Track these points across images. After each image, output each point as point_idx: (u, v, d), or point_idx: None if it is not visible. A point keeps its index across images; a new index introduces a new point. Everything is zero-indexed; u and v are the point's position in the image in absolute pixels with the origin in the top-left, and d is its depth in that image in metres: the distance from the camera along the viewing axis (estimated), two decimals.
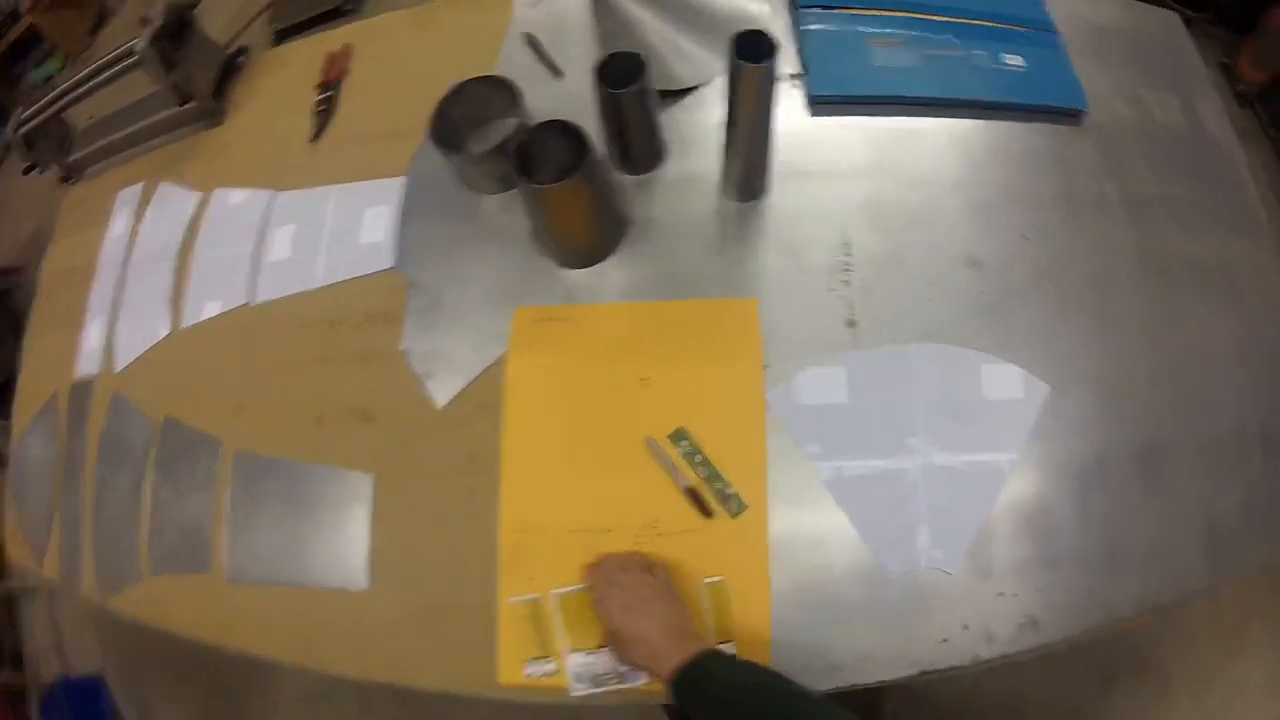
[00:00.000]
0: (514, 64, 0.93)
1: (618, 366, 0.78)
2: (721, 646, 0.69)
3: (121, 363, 1.00)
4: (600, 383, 0.78)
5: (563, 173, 0.70)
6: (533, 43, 0.92)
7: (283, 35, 1.16)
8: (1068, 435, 0.79)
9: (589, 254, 0.80)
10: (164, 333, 0.99)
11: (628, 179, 0.83)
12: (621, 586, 0.65)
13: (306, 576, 0.79)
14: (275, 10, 1.19)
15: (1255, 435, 0.87)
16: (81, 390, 1.00)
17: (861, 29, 0.88)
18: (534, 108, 0.86)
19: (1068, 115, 0.93)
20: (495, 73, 0.90)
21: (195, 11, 1.07)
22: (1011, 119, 0.90)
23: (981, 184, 0.85)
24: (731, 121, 0.72)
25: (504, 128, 0.86)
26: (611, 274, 0.81)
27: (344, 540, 0.79)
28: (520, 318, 0.81)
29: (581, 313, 0.80)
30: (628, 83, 0.73)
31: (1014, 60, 0.91)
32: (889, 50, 0.87)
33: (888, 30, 0.88)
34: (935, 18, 0.90)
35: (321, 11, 1.16)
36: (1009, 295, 0.81)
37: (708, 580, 0.71)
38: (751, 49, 0.64)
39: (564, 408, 0.78)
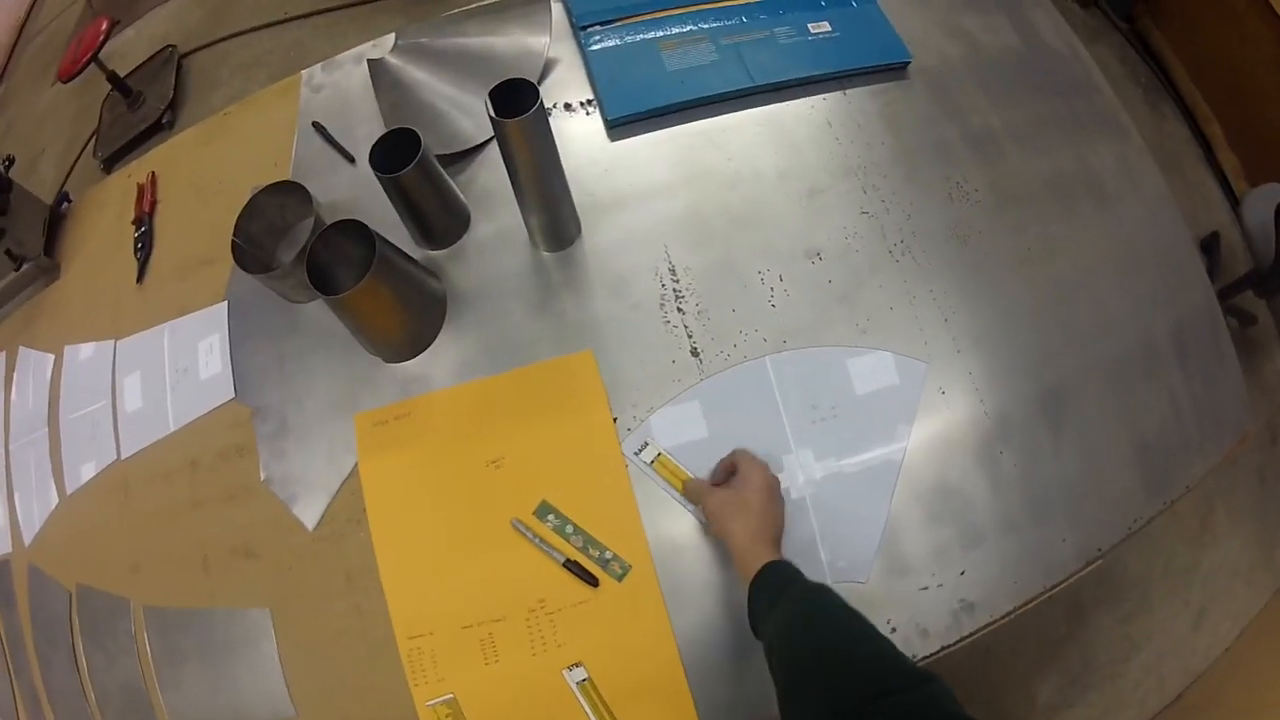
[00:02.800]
0: (309, 156, 0.89)
1: (467, 453, 0.75)
2: None
3: (28, 537, 0.99)
4: (453, 473, 0.75)
5: (364, 270, 0.66)
6: (321, 130, 0.87)
7: (110, 163, 1.12)
8: (960, 405, 0.76)
9: (411, 345, 0.76)
10: (55, 501, 0.98)
11: (438, 254, 0.78)
12: (763, 492, 0.65)
13: (241, 715, 0.78)
14: (98, 140, 1.15)
15: (1166, 341, 0.84)
16: (1, 571, 0.97)
17: (650, 35, 0.84)
18: (332, 199, 0.82)
19: (891, 70, 0.89)
20: (292, 168, 0.86)
21: (14, 168, 1.03)
22: (829, 90, 0.87)
23: (807, 168, 0.81)
24: (514, 180, 0.67)
25: (306, 230, 0.82)
26: (441, 357, 0.77)
27: (262, 675, 0.77)
28: (361, 424, 0.77)
29: (420, 405, 0.76)
30: (408, 160, 0.68)
31: (820, 28, 0.87)
32: (683, 51, 0.83)
33: (676, 30, 0.84)
34: (724, 3, 0.85)
35: (141, 131, 1.11)
36: (859, 278, 0.78)
37: (577, 680, 0.67)
38: (515, 98, 0.61)
39: (425, 505, 0.75)
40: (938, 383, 0.75)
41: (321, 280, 0.70)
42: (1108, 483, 0.76)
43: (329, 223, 0.73)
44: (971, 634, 0.71)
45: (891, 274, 0.78)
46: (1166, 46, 1.75)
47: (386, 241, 0.71)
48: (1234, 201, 1.57)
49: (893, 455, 0.72)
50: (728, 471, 0.68)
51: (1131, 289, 0.84)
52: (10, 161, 1.12)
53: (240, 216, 0.81)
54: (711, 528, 0.66)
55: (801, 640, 0.50)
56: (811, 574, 0.67)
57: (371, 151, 0.71)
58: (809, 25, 0.86)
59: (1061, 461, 0.75)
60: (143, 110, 1.17)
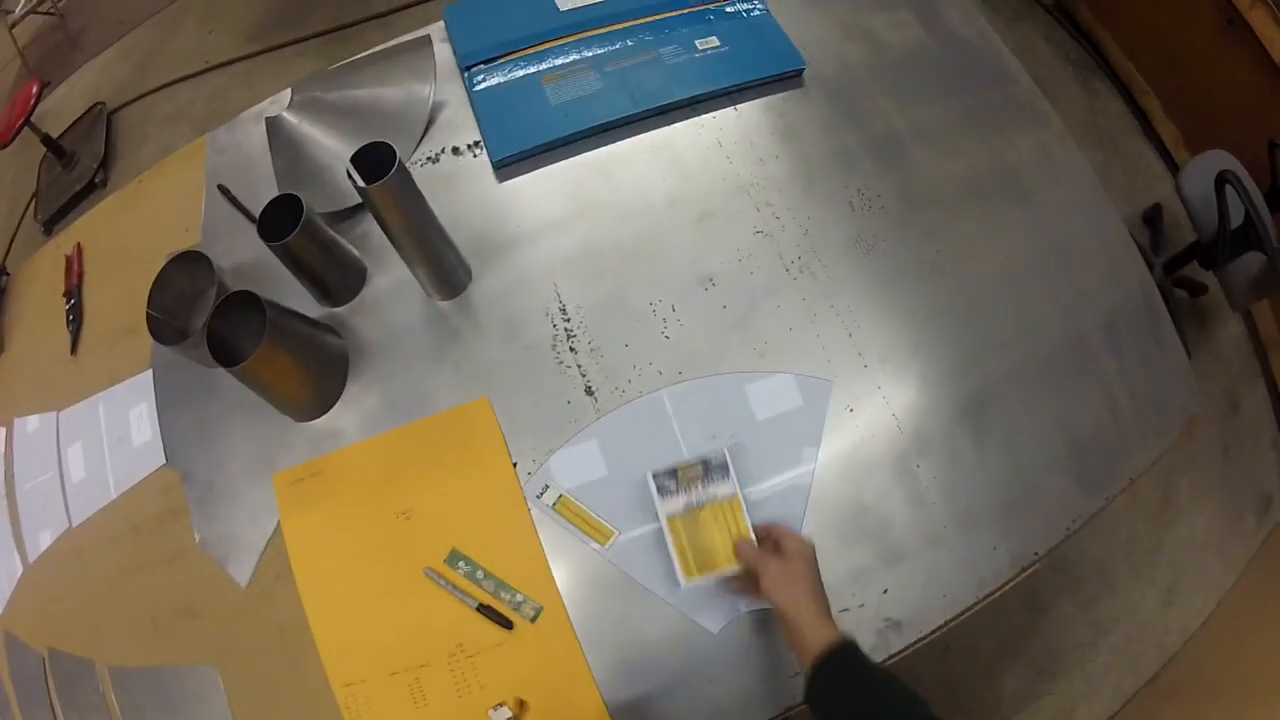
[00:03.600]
0: (217, 219, 0.91)
1: (378, 506, 0.76)
2: None
3: (0, 605, 1.01)
4: (367, 526, 0.76)
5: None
6: (226, 193, 0.88)
7: (50, 224, 1.14)
8: (870, 421, 0.76)
9: (318, 403, 0.77)
10: (20, 569, 1.00)
11: (339, 310, 0.79)
12: (812, 568, 0.64)
13: None
14: (38, 202, 1.17)
15: (1097, 332, 0.83)
16: None
17: (531, 70, 0.83)
18: (237, 262, 0.84)
19: (785, 79, 0.88)
20: (201, 232, 0.87)
21: None
22: (721, 108, 0.86)
23: (697, 192, 0.81)
24: (392, 238, 0.68)
25: (211, 297, 0.83)
26: (349, 412, 0.79)
27: None
28: (279, 483, 0.80)
29: (332, 462, 0.78)
30: (298, 221, 0.69)
31: (708, 44, 0.86)
32: (566, 82, 0.83)
33: (559, 61, 0.83)
34: (607, 28, 0.85)
35: (77, 190, 1.13)
36: (755, 301, 0.78)
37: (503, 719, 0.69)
38: (376, 160, 0.62)
39: (344, 558, 0.77)
40: (845, 401, 0.75)
41: (226, 349, 0.71)
42: (1040, 486, 0.76)
43: (232, 289, 0.74)
44: (901, 651, 0.71)
45: (789, 293, 0.77)
46: (1095, 20, 1.70)
47: (280, 308, 0.72)
48: (1175, 171, 1.53)
49: (800, 479, 0.72)
50: (772, 540, 0.66)
51: (1057, 284, 0.83)
52: None
53: (152, 288, 0.83)
54: (769, 600, 0.63)
55: None
56: (722, 607, 0.67)
57: (260, 218, 0.72)
58: (696, 42, 0.85)
59: (987, 470, 0.75)
60: (77, 170, 1.19)
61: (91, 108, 1.44)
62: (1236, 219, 1.19)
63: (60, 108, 1.54)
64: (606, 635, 0.70)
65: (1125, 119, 1.62)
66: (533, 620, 0.71)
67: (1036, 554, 0.74)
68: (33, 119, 1.40)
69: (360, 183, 0.62)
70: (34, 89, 1.47)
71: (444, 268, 0.73)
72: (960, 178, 0.86)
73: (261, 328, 0.70)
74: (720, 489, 0.68)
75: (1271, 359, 1.48)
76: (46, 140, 1.17)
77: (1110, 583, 1.27)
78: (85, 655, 0.88)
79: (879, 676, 0.56)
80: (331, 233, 0.75)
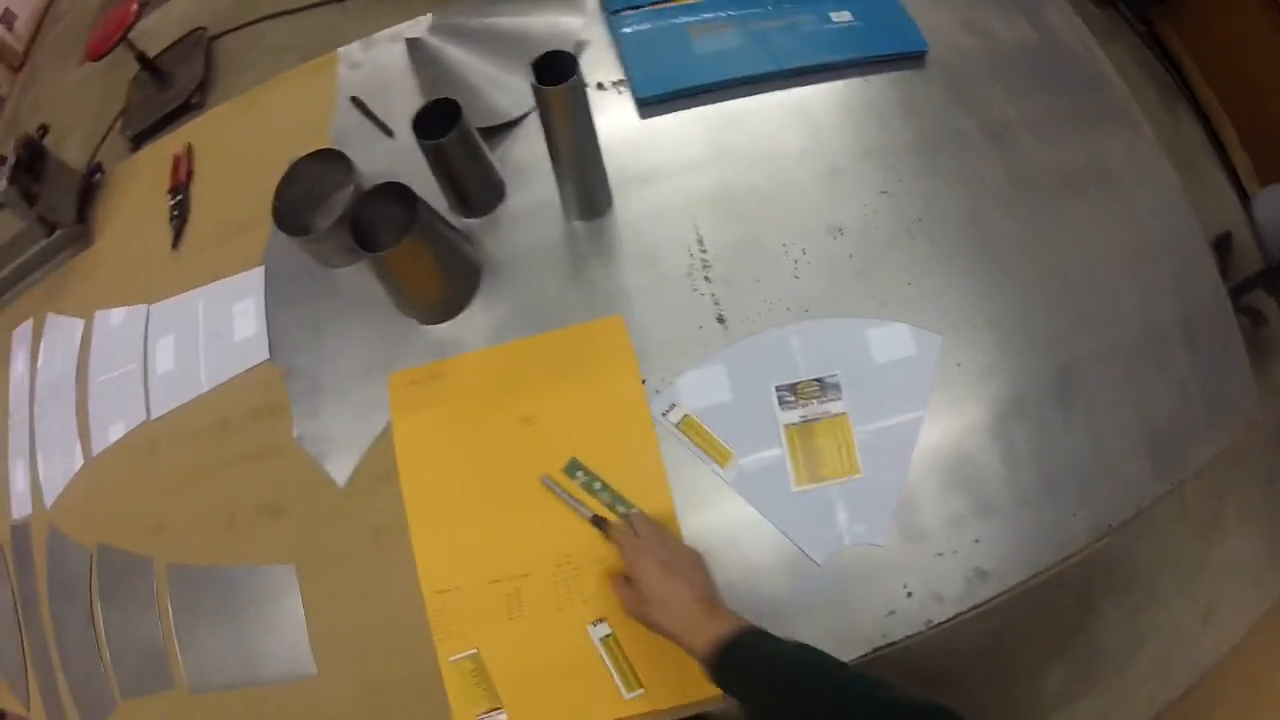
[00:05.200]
0: (346, 130, 0.92)
1: (498, 412, 0.77)
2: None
3: (50, 499, 0.99)
4: (484, 431, 0.77)
5: (404, 233, 0.68)
6: (360, 105, 0.90)
7: (138, 141, 1.14)
8: (974, 379, 0.79)
9: (447, 307, 0.78)
10: (80, 463, 0.98)
11: (473, 223, 0.81)
12: (662, 546, 0.65)
13: (261, 674, 0.78)
14: (126, 118, 1.17)
15: (1175, 329, 0.86)
16: (20, 533, 0.99)
17: (679, 20, 0.87)
18: (370, 170, 0.85)
19: (909, 59, 0.92)
20: (329, 141, 0.88)
21: (48, 138, 1.04)
22: (849, 76, 0.90)
23: (828, 149, 0.84)
24: (552, 147, 0.70)
25: (344, 198, 0.84)
26: (475, 321, 0.79)
27: (285, 633, 0.78)
28: (395, 384, 0.80)
29: (453, 366, 0.79)
30: (447, 130, 0.70)
31: (842, 16, 0.90)
32: (711, 35, 0.86)
33: (706, 15, 0.87)
34: None
35: (170, 110, 1.13)
36: (879, 254, 0.81)
37: (600, 636, 0.69)
38: (554, 70, 0.64)
39: (456, 463, 0.77)
40: (954, 356, 0.78)
41: (362, 241, 0.72)
42: (1117, 462, 0.78)
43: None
44: (986, 601, 0.72)
45: (909, 251, 0.81)
46: (1182, 49, 1.77)
47: (427, 205, 0.73)
48: (1246, 202, 1.60)
49: (910, 423, 0.75)
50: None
51: (1141, 277, 0.86)
52: (44, 130, 1.14)
53: (281, 182, 0.83)
54: (639, 620, 0.64)
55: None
56: (828, 537, 0.68)
57: (414, 119, 0.73)
58: (830, 14, 0.90)
59: (1072, 439, 0.77)
60: (172, 90, 1.19)
61: (191, 32, 1.45)
62: None
63: (157, 31, 1.54)
64: (714, 557, 0.70)
65: (1203, 147, 1.70)
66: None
67: (1111, 525, 0.76)
68: (130, 38, 1.41)
69: (539, 85, 0.64)
70: (133, 6, 1.47)
71: (593, 187, 0.76)
72: (1062, 167, 0.90)
73: (400, 226, 0.71)
74: (833, 406, 0.73)
75: None
76: (142, 59, 1.17)
77: (1156, 592, 1.30)
78: (143, 553, 0.86)
79: (789, 657, 0.56)
80: (481, 142, 0.77)
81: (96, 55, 1.38)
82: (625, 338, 0.75)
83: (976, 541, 0.73)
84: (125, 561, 0.87)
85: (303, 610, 0.77)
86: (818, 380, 0.74)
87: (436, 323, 0.79)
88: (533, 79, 0.64)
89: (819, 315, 0.77)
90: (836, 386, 0.74)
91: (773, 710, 0.53)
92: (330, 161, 0.84)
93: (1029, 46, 0.99)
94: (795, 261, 0.78)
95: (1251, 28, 1.56)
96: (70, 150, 1.26)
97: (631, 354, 0.75)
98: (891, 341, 0.77)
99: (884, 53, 0.90)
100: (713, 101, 0.85)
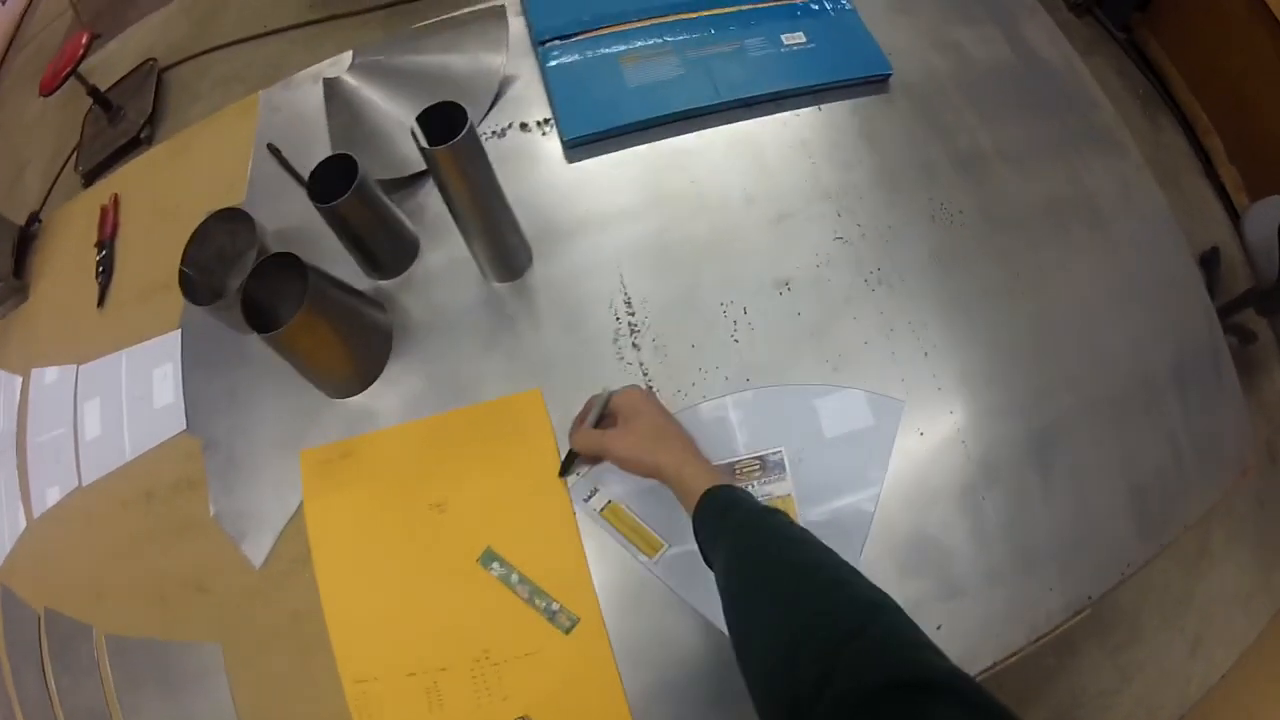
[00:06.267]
0: (263, 179, 0.84)
1: (409, 496, 0.69)
2: None
3: (0, 558, 0.94)
4: (395, 516, 0.69)
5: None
6: (276, 153, 0.82)
7: (90, 177, 1.10)
8: (940, 447, 0.69)
9: (356, 379, 0.71)
10: (23, 524, 0.94)
11: (385, 284, 0.72)
12: (653, 410, 0.60)
13: None
14: (80, 154, 1.11)
15: (1164, 374, 0.77)
16: None
17: (610, 50, 0.77)
18: (285, 226, 0.78)
19: (871, 84, 0.82)
20: (247, 191, 0.80)
21: None
22: (804, 105, 0.80)
23: (777, 191, 0.75)
24: (451, 207, 0.61)
25: (252, 259, 0.76)
26: (388, 392, 0.72)
27: (215, 711, 0.73)
28: (306, 461, 0.72)
29: (365, 443, 0.71)
30: (351, 185, 0.62)
31: (794, 39, 0.80)
32: (645, 66, 0.76)
33: (640, 43, 0.77)
34: (693, 14, 0.78)
35: (120, 145, 1.07)
36: (831, 310, 0.71)
37: None
38: (448, 124, 0.55)
39: (368, 547, 0.70)
40: (916, 424, 0.68)
41: (261, 314, 0.64)
42: (1100, 527, 0.69)
43: (273, 251, 0.67)
44: None
45: (867, 305, 0.70)
46: (1164, 57, 1.64)
47: (323, 275, 0.65)
48: (1234, 216, 1.47)
49: (864, 504, 0.66)
50: (595, 412, 0.62)
51: (1129, 318, 0.77)
52: None
53: (189, 244, 0.76)
54: (635, 472, 0.60)
55: (746, 585, 0.47)
56: None
57: (310, 178, 0.66)
58: (782, 36, 0.79)
59: (1051, 506, 0.68)
60: (123, 124, 1.13)
61: (142, 64, 1.38)
62: None
63: (112, 62, 1.47)
64: (644, 653, 0.63)
65: (1188, 158, 1.57)
66: (567, 632, 0.64)
67: (1090, 598, 0.68)
68: (82, 72, 1.34)
69: (424, 143, 0.55)
70: (83, 39, 1.41)
71: (505, 247, 0.67)
72: (1040, 201, 0.79)
73: (301, 295, 0.63)
74: (776, 488, 0.64)
75: None
76: (94, 92, 1.11)
77: (1139, 629, 1.20)
78: (84, 620, 0.81)
79: (751, 518, 0.51)
80: (385, 200, 0.69)
81: (47, 90, 1.32)
82: (544, 414, 0.67)
83: (939, 628, 0.65)
84: (69, 627, 0.83)
85: (229, 691, 0.71)
86: (758, 458, 0.65)
87: (347, 396, 0.71)
88: (419, 138, 0.55)
89: (761, 383, 0.67)
90: (780, 465, 0.65)
91: (739, 559, 0.49)
92: (239, 220, 0.76)
93: (1006, 65, 0.87)
94: (735, 322, 0.69)
95: (1237, 32, 1.41)
96: (29, 182, 1.22)
97: (550, 433, 0.66)
98: (844, 411, 0.67)
99: (842, 78, 0.79)
100: (648, 140, 0.75)
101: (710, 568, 0.53)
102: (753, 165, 0.75)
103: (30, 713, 0.85)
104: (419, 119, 0.56)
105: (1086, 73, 0.91)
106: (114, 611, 0.81)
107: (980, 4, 0.91)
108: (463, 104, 0.55)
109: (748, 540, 0.49)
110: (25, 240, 1.05)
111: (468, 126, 0.54)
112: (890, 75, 0.81)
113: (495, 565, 0.66)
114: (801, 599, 0.43)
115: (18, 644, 0.88)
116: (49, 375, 0.97)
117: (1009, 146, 0.81)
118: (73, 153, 1.19)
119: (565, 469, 0.64)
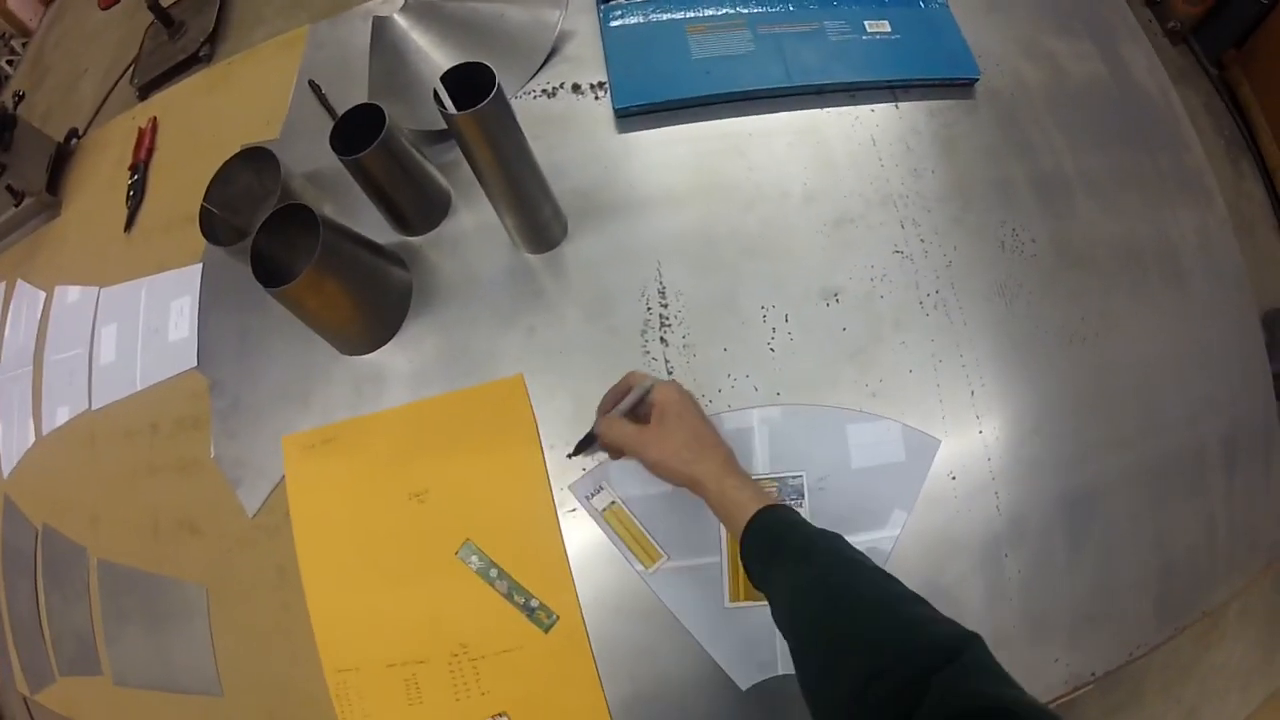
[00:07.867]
0: (302, 117, 0.78)
1: (389, 484, 0.64)
2: None
3: (7, 468, 0.93)
4: (375, 505, 0.65)
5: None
6: (316, 90, 0.75)
7: (145, 91, 1.05)
8: (970, 496, 0.62)
9: (368, 339, 0.65)
10: (32, 439, 0.92)
11: (414, 240, 0.66)
12: (695, 415, 0.52)
13: (175, 682, 0.73)
14: (137, 67, 1.07)
15: (1215, 449, 0.68)
16: None
17: (677, 15, 0.68)
18: (317, 167, 0.71)
19: (955, 86, 0.72)
20: (284, 127, 0.75)
21: (23, 103, 0.95)
22: (880, 100, 0.70)
23: (840, 191, 0.66)
24: (478, 175, 0.54)
25: (274, 203, 0.70)
26: (400, 355, 0.66)
27: (194, 650, 0.71)
28: (289, 446, 0.69)
29: (347, 429, 0.66)
30: (372, 139, 0.55)
31: (879, 27, 0.70)
32: (714, 37, 0.68)
33: (709, 11, 0.68)
34: None
35: (178, 61, 1.02)
36: (879, 330, 0.63)
37: None
38: (471, 86, 0.48)
39: (349, 536, 0.66)
40: (949, 466, 0.60)
41: (274, 265, 0.59)
42: (1119, 603, 0.62)
43: (300, 198, 0.61)
44: None
45: (918, 329, 0.62)
46: (1254, 101, 1.47)
47: (339, 229, 0.59)
48: None
49: (879, 544, 0.59)
50: (623, 398, 0.53)
51: (1189, 384, 0.68)
52: (20, 97, 1.03)
53: (212, 182, 0.71)
54: (668, 480, 0.51)
55: (810, 615, 0.43)
56: (760, 661, 0.54)
57: (334, 129, 0.59)
58: (865, 22, 0.69)
59: (1073, 575, 0.61)
60: (182, 41, 1.08)
61: None
62: None
63: None
64: (625, 664, 0.58)
65: (1264, 208, 1.42)
66: (546, 630, 0.59)
67: (1094, 674, 0.61)
68: None
69: (449, 107, 0.48)
70: None
71: (536, 219, 0.60)
72: (1119, 242, 0.70)
73: (314, 249, 0.57)
74: None
75: None
76: (154, 7, 1.05)
77: (1140, 693, 1.12)
78: (80, 541, 0.80)
79: (813, 544, 0.46)
80: (416, 154, 0.62)
81: (106, 4, 1.27)
82: (525, 401, 0.61)
83: None
84: (65, 547, 0.83)
85: (208, 634, 0.69)
86: (777, 480, 0.58)
87: (359, 354, 0.66)
88: (444, 99, 0.48)
89: (792, 400, 0.60)
90: (799, 490, 0.58)
91: (803, 591, 0.45)
92: (266, 160, 0.70)
93: (1099, 87, 0.77)
94: (774, 329, 0.61)
95: None
96: (84, 91, 1.18)
97: (532, 422, 0.60)
98: (876, 442, 0.60)
99: (925, 76, 0.69)
100: (706, 119, 0.67)
101: (758, 589, 0.48)
102: (816, 159, 0.66)
103: (19, 627, 0.84)
104: (444, 78, 0.49)
105: (1182, 109, 0.79)
106: (108, 538, 0.79)
107: (1079, 17, 0.79)
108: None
109: (814, 572, 0.45)
110: (62, 157, 1.00)
111: (495, 90, 0.47)
112: (977, 80, 0.71)
113: (474, 558, 0.61)
114: (882, 629, 0.40)
115: (15, 556, 0.87)
116: (71, 294, 0.94)
117: (1094, 176, 0.71)
118: (130, 65, 1.13)
119: (579, 449, 0.55)
